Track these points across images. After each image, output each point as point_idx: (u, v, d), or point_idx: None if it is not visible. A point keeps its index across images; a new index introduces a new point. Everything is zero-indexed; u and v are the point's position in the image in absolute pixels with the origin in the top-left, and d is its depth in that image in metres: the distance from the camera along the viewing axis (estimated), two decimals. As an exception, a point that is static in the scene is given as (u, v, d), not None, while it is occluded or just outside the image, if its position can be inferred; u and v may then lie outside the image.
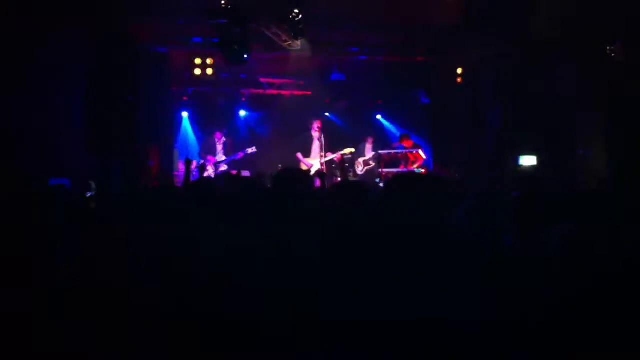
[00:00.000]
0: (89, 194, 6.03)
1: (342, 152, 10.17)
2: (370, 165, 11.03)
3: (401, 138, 10.90)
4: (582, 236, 1.89)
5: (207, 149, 10.39)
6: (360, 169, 11.08)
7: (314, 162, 10.21)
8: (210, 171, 10.09)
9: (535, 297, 1.70)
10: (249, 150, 10.13)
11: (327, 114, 11.80)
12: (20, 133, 7.74)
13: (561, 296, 1.67)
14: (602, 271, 1.70)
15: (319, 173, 9.62)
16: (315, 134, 10.29)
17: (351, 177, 10.80)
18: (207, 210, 2.94)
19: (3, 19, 7.41)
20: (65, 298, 1.82)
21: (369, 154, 11.14)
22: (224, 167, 10.18)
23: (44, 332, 1.75)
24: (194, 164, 9.61)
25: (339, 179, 9.82)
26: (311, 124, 10.42)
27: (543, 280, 1.77)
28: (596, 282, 1.68)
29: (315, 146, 10.33)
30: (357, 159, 11.05)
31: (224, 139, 10.40)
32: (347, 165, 10.85)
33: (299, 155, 10.35)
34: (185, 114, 11.91)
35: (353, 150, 10.47)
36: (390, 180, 2.35)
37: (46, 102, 8.10)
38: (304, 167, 10.08)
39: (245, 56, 8.79)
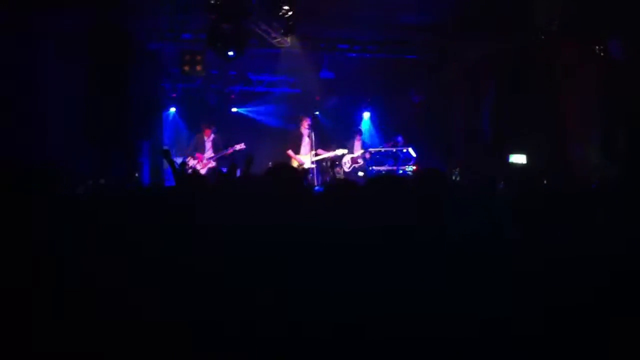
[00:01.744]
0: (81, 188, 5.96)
1: (335, 152, 10.21)
2: (358, 163, 11.01)
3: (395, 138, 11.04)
4: (580, 235, 1.89)
5: (196, 146, 10.35)
6: (347, 167, 11.06)
7: (305, 160, 10.19)
8: (199, 167, 10.05)
9: (536, 296, 1.69)
10: (238, 147, 10.08)
11: (317, 113, 11.72)
12: (14, 128, 7.67)
13: (562, 295, 1.67)
14: (603, 269, 1.70)
15: (304, 171, 9.66)
16: (305, 131, 10.26)
17: (339, 175, 10.82)
18: (199, 209, 2.91)
19: None
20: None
21: (357, 151, 11.12)
22: (212, 164, 10.14)
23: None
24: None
25: (328, 178, 9.85)
26: (300, 121, 10.40)
27: (544, 279, 1.77)
28: (597, 281, 1.67)
29: (305, 143, 10.31)
30: (344, 156, 11.01)
31: (212, 135, 10.33)
32: (337, 163, 10.88)
33: (290, 152, 10.31)
34: (172, 110, 11.85)
35: (346, 151, 10.50)
36: (370, 182, 2.33)
37: (41, 98, 8.04)
38: (295, 164, 10.05)
39: (231, 53, 8.72)
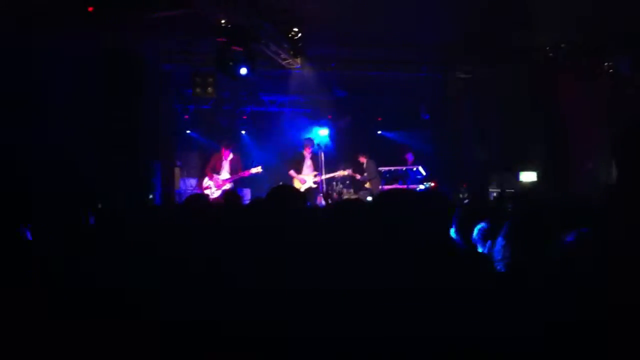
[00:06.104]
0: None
1: (336, 173, 10.25)
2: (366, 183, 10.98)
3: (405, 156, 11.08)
4: (580, 250, 1.89)
5: (213, 167, 10.10)
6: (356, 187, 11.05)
7: (307, 179, 10.23)
8: (213, 189, 9.96)
9: (537, 314, 1.70)
10: (254, 170, 9.94)
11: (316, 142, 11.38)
12: (23, 150, 7.78)
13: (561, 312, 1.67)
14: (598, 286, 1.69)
15: (321, 193, 9.68)
16: (307, 153, 10.31)
17: (349, 195, 10.77)
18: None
19: (6, 38, 7.52)
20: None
21: (365, 172, 11.05)
22: (227, 186, 9.88)
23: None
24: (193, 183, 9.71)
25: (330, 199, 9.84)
26: (304, 143, 10.45)
27: (545, 296, 1.77)
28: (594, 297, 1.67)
29: (307, 165, 10.35)
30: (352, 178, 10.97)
31: (231, 155, 10.01)
32: (348, 182, 10.88)
33: (292, 172, 10.36)
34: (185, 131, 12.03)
35: (346, 173, 10.49)
36: (379, 197, 2.35)
37: (51, 119, 8.17)
38: (297, 184, 10.08)
39: (244, 70, 8.79)
